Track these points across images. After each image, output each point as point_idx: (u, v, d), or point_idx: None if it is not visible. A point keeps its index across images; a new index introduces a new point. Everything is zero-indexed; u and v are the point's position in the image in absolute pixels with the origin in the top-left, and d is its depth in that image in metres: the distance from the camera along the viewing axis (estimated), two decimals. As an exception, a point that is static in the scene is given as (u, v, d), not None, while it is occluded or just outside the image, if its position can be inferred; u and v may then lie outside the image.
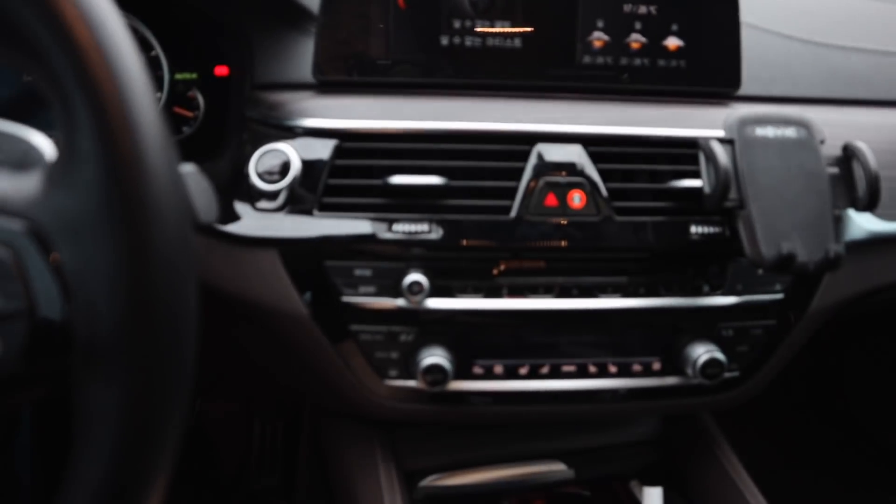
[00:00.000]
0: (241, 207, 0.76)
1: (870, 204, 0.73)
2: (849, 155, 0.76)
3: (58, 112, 0.38)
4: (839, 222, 0.73)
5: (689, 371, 0.81)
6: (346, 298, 0.76)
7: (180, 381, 0.40)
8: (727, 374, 0.82)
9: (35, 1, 0.37)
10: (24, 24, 0.37)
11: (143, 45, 0.90)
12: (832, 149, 0.77)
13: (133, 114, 0.38)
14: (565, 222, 0.76)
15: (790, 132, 0.75)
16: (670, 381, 0.83)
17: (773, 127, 0.75)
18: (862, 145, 0.75)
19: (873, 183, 0.72)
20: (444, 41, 0.84)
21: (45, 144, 0.46)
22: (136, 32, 0.90)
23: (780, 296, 0.83)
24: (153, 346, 0.39)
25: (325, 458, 1.01)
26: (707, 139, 0.74)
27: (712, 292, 0.81)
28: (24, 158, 0.46)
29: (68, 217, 0.38)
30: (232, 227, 0.76)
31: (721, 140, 0.74)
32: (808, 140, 0.75)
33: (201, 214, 0.48)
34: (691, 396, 0.86)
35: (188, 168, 0.50)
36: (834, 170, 0.76)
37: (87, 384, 0.40)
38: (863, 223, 0.85)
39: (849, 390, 1.59)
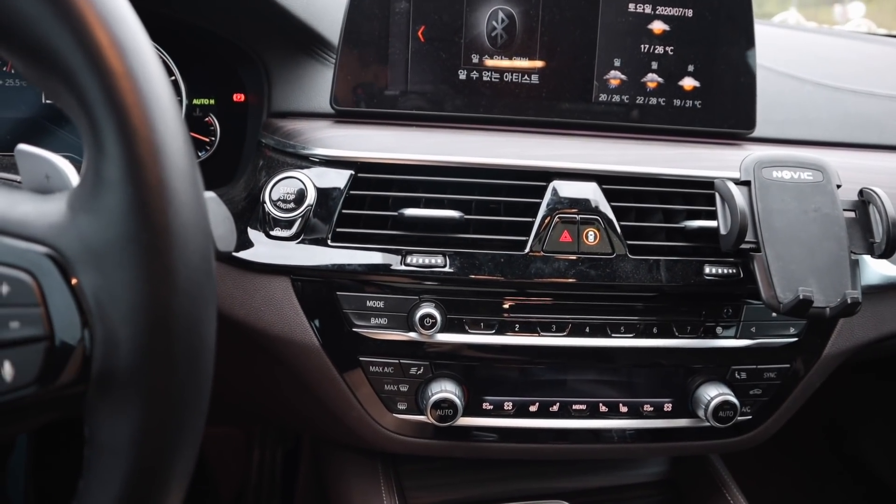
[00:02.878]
0: (254, 234, 0.76)
1: (887, 250, 0.72)
2: (865, 200, 0.76)
3: (86, 138, 0.38)
4: (856, 267, 0.73)
5: (701, 413, 0.80)
6: (357, 329, 0.76)
7: (195, 416, 0.40)
8: (739, 418, 0.81)
9: (69, 27, 0.37)
10: (57, 50, 0.37)
11: (163, 70, 0.91)
12: (848, 193, 0.77)
13: (161, 142, 0.38)
14: (579, 259, 0.75)
15: (807, 175, 0.75)
16: (681, 422, 0.82)
17: (790, 170, 0.75)
18: (879, 191, 0.75)
19: (891, 229, 0.72)
20: (462, 75, 0.84)
21: (68, 168, 0.46)
22: (156, 57, 0.90)
23: (793, 339, 0.83)
24: (170, 378, 0.38)
25: (326, 488, 0.99)
26: (724, 180, 0.74)
27: (725, 334, 0.80)
28: (47, 182, 0.46)
29: (91, 244, 0.38)
30: (245, 254, 0.76)
31: (737, 182, 0.74)
32: (825, 184, 0.75)
33: (220, 244, 0.48)
34: (702, 439, 0.85)
35: (209, 195, 0.50)
36: (850, 214, 0.76)
37: (100, 412, 0.39)
38: (878, 268, 0.84)
39: (860, 435, 1.56)
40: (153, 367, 0.38)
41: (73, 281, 0.38)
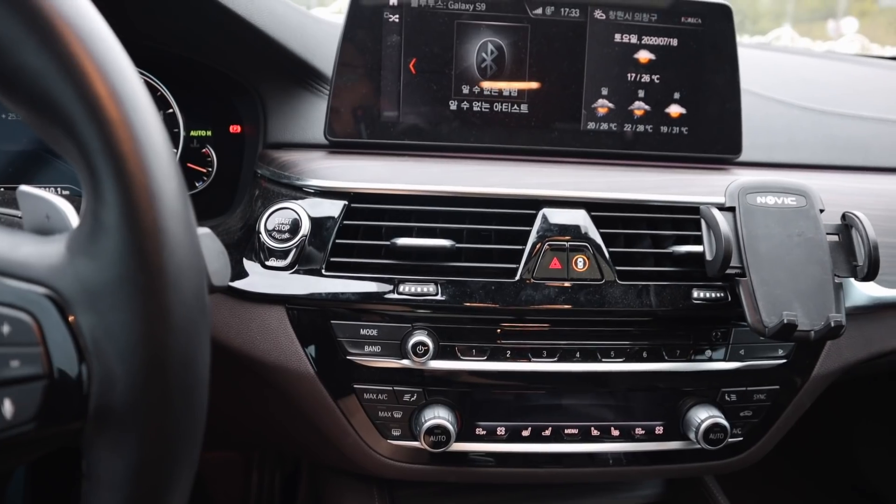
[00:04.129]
0: (250, 264, 0.78)
1: (869, 273, 0.74)
2: (848, 224, 0.77)
3: (85, 184, 0.40)
4: (840, 290, 0.74)
5: (692, 436, 0.81)
6: (351, 357, 0.77)
7: (190, 449, 0.41)
8: (730, 440, 0.82)
9: (71, 81, 0.39)
10: (58, 102, 0.39)
11: (161, 103, 0.93)
12: (832, 216, 0.78)
13: (157, 187, 0.39)
14: (569, 285, 0.77)
15: (790, 200, 0.77)
16: (673, 445, 0.83)
17: (774, 195, 0.77)
18: (861, 214, 0.76)
19: (872, 252, 0.73)
20: (453, 106, 0.86)
21: (68, 209, 0.48)
22: (154, 90, 0.93)
23: (782, 361, 0.84)
24: (166, 414, 0.39)
25: (324, 513, 1.00)
26: (709, 206, 0.76)
27: (714, 357, 0.81)
28: (47, 222, 0.47)
29: (89, 285, 0.39)
30: (241, 284, 0.77)
31: (722, 207, 0.76)
32: (808, 209, 0.77)
33: (215, 279, 0.49)
34: (694, 461, 0.86)
35: (203, 231, 0.51)
36: (834, 238, 0.78)
37: (98, 448, 0.40)
38: (864, 290, 0.85)
39: (857, 452, 1.57)
40: (149, 404, 0.39)
41: (71, 319, 0.40)
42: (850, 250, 0.77)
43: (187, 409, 0.41)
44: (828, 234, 0.77)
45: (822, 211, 0.77)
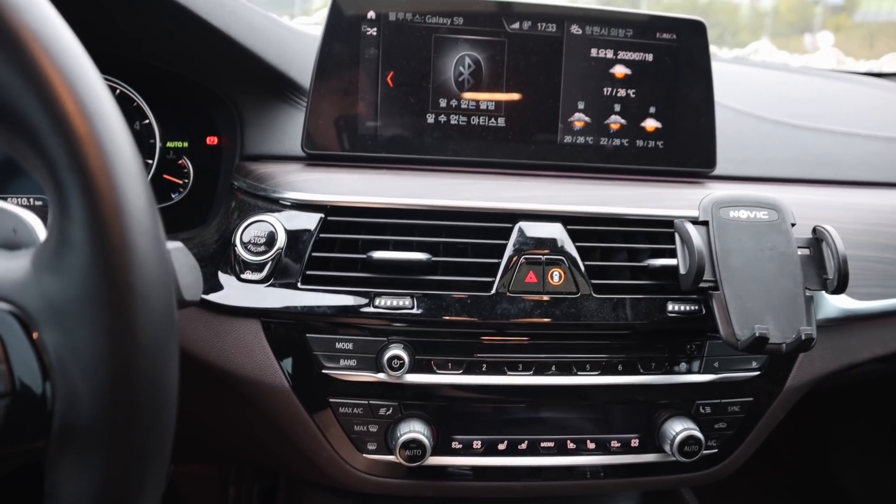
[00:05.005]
0: (225, 277, 0.77)
1: (839, 286, 0.75)
2: (818, 237, 0.78)
3: (51, 199, 0.39)
4: (811, 303, 0.75)
5: (667, 448, 0.81)
6: (326, 371, 0.76)
7: (157, 469, 0.40)
8: (705, 452, 0.82)
9: (36, 93, 0.38)
10: (23, 114, 0.39)
11: (137, 114, 0.92)
12: (804, 230, 0.79)
13: (125, 203, 0.39)
14: (545, 299, 0.77)
15: (762, 215, 0.78)
16: (649, 458, 0.83)
17: (746, 209, 0.78)
18: (830, 228, 0.77)
19: (842, 266, 0.74)
20: (431, 119, 0.87)
21: (35, 222, 0.47)
22: (130, 101, 0.92)
23: (756, 373, 0.85)
24: (132, 433, 0.39)
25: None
26: (682, 220, 0.77)
27: (689, 370, 0.82)
28: (14, 236, 0.47)
29: (54, 302, 0.39)
30: (215, 297, 0.77)
31: (696, 221, 0.77)
32: (780, 223, 0.78)
33: (186, 293, 0.49)
34: (670, 473, 0.86)
35: (175, 245, 0.51)
36: (805, 251, 0.79)
37: (61, 467, 0.40)
38: (836, 302, 0.87)
39: (834, 459, 1.58)
40: (115, 423, 0.39)
41: (35, 336, 0.39)
42: (820, 264, 0.78)
43: (154, 428, 0.40)
44: (799, 247, 0.78)
45: (793, 225, 0.78)
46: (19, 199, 0.91)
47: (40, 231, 0.47)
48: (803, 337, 0.71)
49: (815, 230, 0.79)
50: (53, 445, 0.39)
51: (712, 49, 0.92)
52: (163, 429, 0.41)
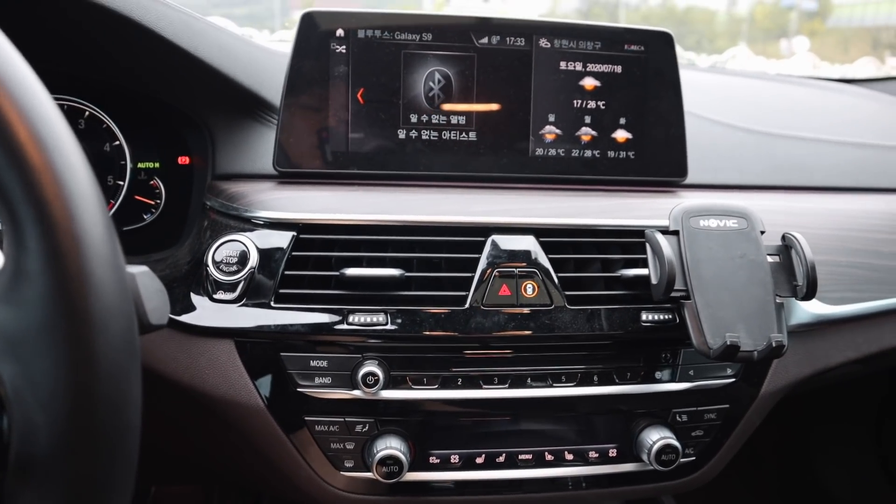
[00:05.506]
0: (197, 298, 0.77)
1: (808, 293, 0.76)
2: (788, 245, 0.79)
3: (6, 229, 0.39)
4: (781, 310, 0.76)
5: (645, 457, 0.81)
6: (301, 389, 0.76)
7: (120, 497, 0.40)
8: (683, 460, 0.83)
9: None
10: None
11: (108, 135, 0.92)
12: (775, 237, 0.80)
13: (82, 232, 0.39)
14: (519, 312, 0.77)
15: (732, 223, 0.79)
16: (627, 467, 0.84)
17: (716, 218, 0.78)
18: (799, 235, 0.78)
19: (810, 273, 0.75)
20: (402, 135, 0.87)
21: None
22: (100, 122, 0.92)
23: (731, 380, 0.85)
24: (93, 463, 0.39)
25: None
26: (653, 231, 0.77)
27: (664, 378, 0.82)
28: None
29: (9, 333, 0.38)
30: (188, 318, 0.76)
31: (666, 231, 0.77)
32: (749, 231, 0.78)
33: (153, 317, 0.48)
34: (649, 482, 0.86)
35: (140, 269, 0.50)
36: (775, 258, 0.79)
37: (21, 499, 0.39)
38: (807, 307, 0.87)
39: (817, 460, 1.59)
40: (74, 453, 0.38)
41: None
42: (790, 271, 0.79)
43: (116, 457, 0.40)
44: (769, 255, 0.78)
45: (762, 232, 0.79)
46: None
47: None
48: (774, 344, 0.71)
49: (784, 237, 0.80)
50: (11, 477, 0.39)
51: (690, 56, 0.93)
52: (125, 456, 0.40)
